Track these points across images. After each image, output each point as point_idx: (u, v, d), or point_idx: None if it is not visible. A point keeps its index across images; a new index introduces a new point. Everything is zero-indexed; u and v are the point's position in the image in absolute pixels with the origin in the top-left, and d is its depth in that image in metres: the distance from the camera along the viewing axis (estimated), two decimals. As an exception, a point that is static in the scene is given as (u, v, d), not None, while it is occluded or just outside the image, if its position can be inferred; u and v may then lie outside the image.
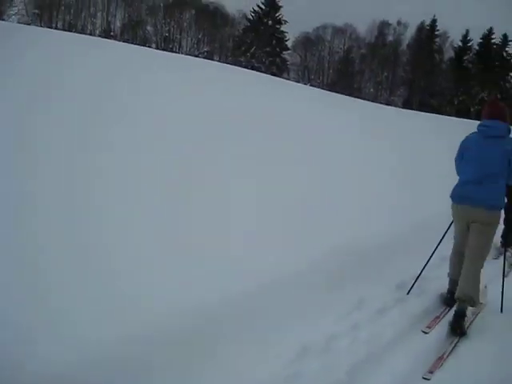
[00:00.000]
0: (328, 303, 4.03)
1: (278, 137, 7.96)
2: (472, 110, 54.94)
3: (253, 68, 41.39)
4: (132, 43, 35.36)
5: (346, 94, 34.80)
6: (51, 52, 7.97)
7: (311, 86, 45.51)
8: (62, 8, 59.25)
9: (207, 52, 62.64)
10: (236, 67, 20.89)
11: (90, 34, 49.31)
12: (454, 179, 4.67)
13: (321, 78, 70.47)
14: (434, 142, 11.77)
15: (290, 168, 6.84)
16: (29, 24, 40.36)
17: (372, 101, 43.79)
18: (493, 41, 60.90)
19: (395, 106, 52.44)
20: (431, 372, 3.52)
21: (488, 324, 4.34)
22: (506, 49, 60.66)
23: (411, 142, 11.54)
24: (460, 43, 62.67)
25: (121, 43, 20.16)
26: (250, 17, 62.21)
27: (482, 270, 4.40)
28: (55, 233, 3.50)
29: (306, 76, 69.42)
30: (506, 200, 4.55)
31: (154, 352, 2.91)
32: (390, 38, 69.42)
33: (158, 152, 5.55)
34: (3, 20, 33.48)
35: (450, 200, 4.63)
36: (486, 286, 4.76)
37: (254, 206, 5.22)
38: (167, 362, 2.91)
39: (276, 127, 8.36)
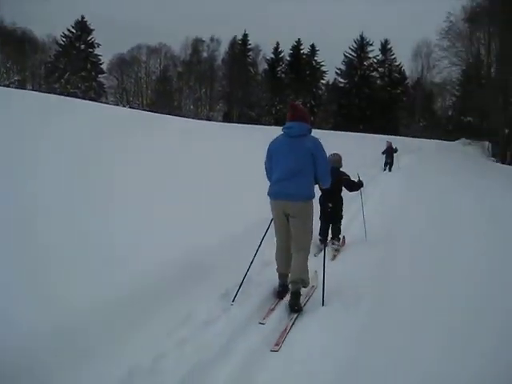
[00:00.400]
0: (152, 320, 3.97)
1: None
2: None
3: (68, 95, 39.75)
4: None
5: (166, 113, 35.10)
6: None
7: (130, 108, 45.06)
8: None
9: (18, 81, 58.74)
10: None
11: None
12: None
13: (140, 99, 70.00)
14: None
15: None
16: None
17: (193, 117, 44.62)
18: (302, 51, 65.43)
19: (215, 120, 53.90)
20: (277, 344, 3.97)
21: (317, 302, 4.85)
22: (315, 58, 65.49)
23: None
24: (272, 55, 66.36)
25: None
26: (61, 41, 59.92)
27: (308, 257, 4.97)
28: None
29: (125, 98, 68.50)
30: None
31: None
32: (205, 54, 70.98)
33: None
34: None
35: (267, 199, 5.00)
36: (316, 272, 5.37)
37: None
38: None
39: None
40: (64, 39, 59.76)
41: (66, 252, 4.55)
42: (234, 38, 67.37)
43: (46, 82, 59.86)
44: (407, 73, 64.40)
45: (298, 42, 65.16)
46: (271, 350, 3.88)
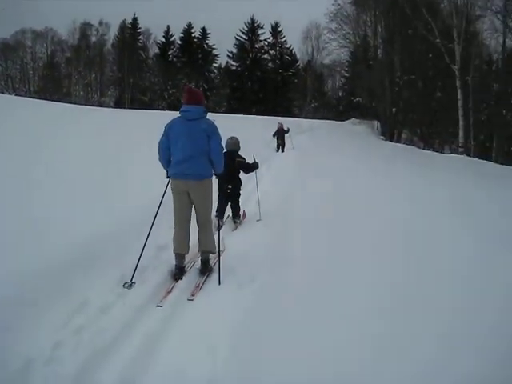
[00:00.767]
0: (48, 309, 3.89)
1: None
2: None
3: None
4: None
5: (56, 100, 33.60)
6: None
7: (17, 95, 42.57)
8: None
9: None
10: None
11: None
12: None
13: (27, 86, 66.30)
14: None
15: None
16: None
17: (84, 104, 43.07)
18: (193, 35, 64.76)
19: (107, 106, 52.41)
20: (193, 295, 4.68)
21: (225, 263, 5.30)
22: (207, 41, 65.06)
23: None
24: (163, 39, 65.17)
25: None
26: None
27: (212, 227, 5.56)
28: None
29: (11, 85, 64.61)
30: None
31: None
32: (94, 38, 68.44)
33: None
34: None
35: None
36: (223, 238, 5.93)
37: None
38: None
39: None
40: None
41: None
42: (124, 21, 65.50)
43: None
44: (298, 55, 65.72)
45: (189, 26, 64.44)
46: (188, 299, 4.60)
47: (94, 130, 14.52)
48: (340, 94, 66.10)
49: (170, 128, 5.16)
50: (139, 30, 66.17)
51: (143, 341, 3.75)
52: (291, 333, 3.86)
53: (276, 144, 20.78)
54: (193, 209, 5.28)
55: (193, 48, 63.59)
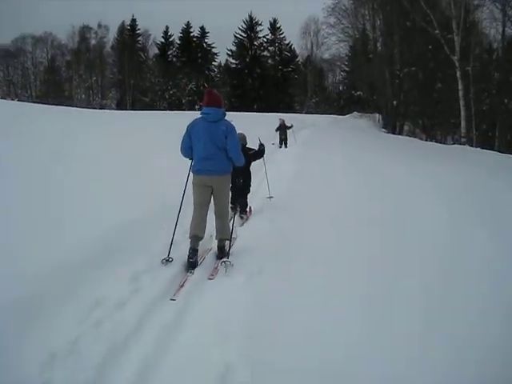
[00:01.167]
0: (68, 304, 4.02)
1: None
2: (184, 101, 58.01)
3: None
4: None
5: (58, 104, 33.70)
6: None
7: (19, 101, 42.87)
8: None
9: None
10: None
11: None
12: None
13: (29, 91, 66.60)
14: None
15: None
16: None
17: (86, 107, 43.17)
18: (192, 34, 64.93)
19: (109, 108, 52.48)
20: (212, 275, 5.20)
21: (240, 247, 5.97)
22: (206, 40, 65.22)
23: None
24: (162, 39, 65.34)
25: None
26: None
27: (228, 217, 6.05)
28: None
29: (13, 91, 64.92)
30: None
31: None
32: (93, 41, 68.92)
33: None
34: None
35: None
36: (235, 227, 6.35)
37: None
38: None
39: None
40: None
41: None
42: (123, 23, 65.80)
43: None
44: (297, 51, 66.04)
45: (188, 25, 64.71)
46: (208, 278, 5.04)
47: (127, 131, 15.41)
48: (341, 88, 66.25)
49: (192, 128, 5.60)
50: (138, 32, 66.60)
51: (159, 332, 3.89)
52: (303, 319, 4.01)
53: (279, 139, 20.83)
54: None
55: (192, 47, 63.80)
